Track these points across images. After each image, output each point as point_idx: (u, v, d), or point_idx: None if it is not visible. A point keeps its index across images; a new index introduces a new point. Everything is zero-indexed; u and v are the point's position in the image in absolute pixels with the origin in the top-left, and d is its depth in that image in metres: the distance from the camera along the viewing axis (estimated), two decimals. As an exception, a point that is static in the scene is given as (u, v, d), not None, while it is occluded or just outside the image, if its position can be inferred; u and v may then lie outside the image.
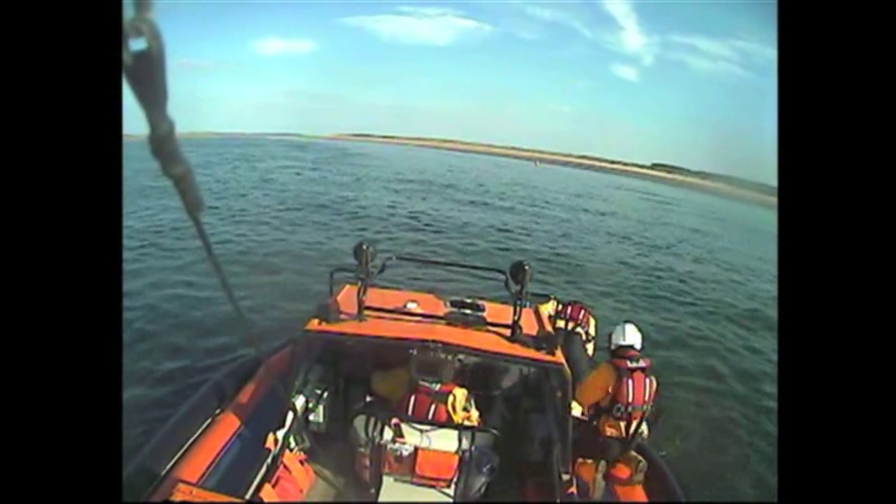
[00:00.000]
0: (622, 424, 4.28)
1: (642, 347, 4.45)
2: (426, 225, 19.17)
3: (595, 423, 4.42)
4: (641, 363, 4.24)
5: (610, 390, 4.24)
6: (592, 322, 6.31)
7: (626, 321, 4.67)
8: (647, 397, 4.19)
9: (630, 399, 4.18)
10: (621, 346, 4.39)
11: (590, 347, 6.25)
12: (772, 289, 15.12)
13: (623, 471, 4.13)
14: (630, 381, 4.18)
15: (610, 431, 4.33)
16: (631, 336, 4.43)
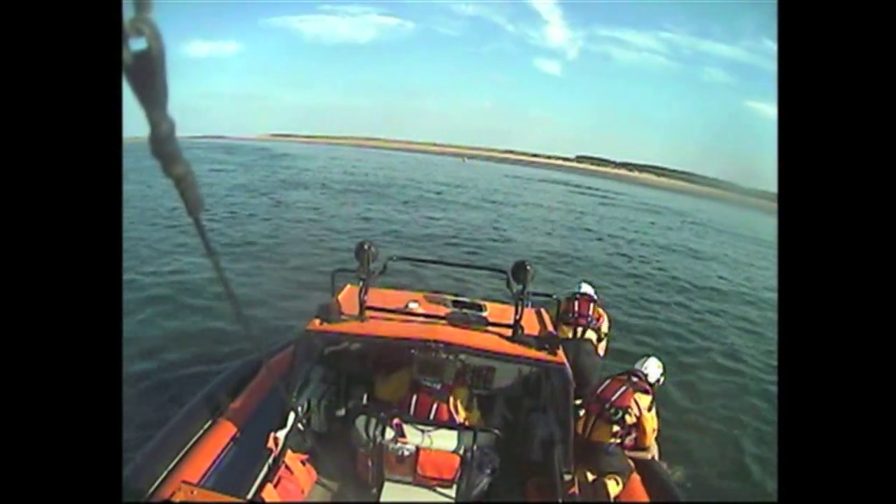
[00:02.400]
0: (583, 416, 4.45)
1: (653, 384, 4.53)
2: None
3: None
4: (634, 378, 4.42)
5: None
6: (606, 318, 5.99)
7: (651, 355, 4.84)
8: (614, 397, 4.29)
9: (598, 392, 4.41)
10: (637, 369, 4.59)
11: (602, 346, 5.95)
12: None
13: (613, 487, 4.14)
14: (610, 379, 4.47)
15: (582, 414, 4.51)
16: (646, 366, 4.61)
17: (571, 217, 28.83)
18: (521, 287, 3.90)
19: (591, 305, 5.86)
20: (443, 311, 4.48)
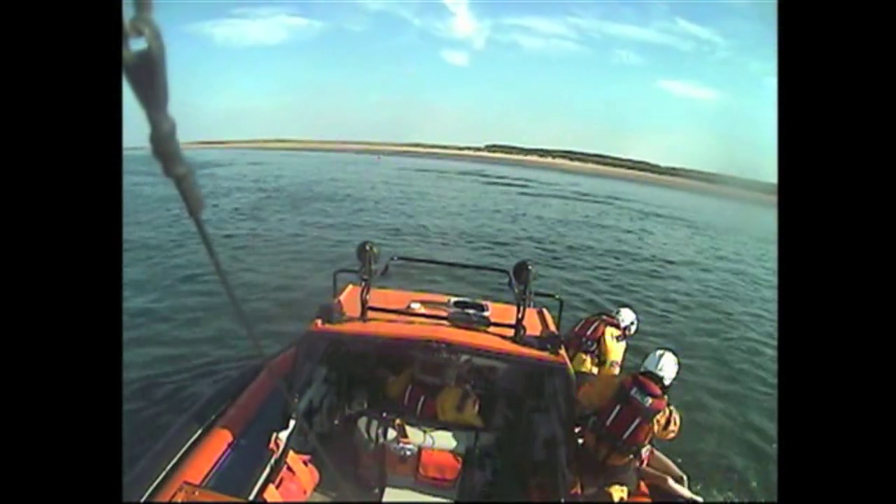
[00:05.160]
0: (593, 439, 3.92)
1: (668, 385, 3.85)
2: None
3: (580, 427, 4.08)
4: (647, 400, 3.69)
5: (603, 398, 3.93)
6: (612, 348, 5.25)
7: (667, 349, 4.04)
8: (626, 434, 3.71)
9: (607, 423, 3.81)
10: (646, 371, 3.86)
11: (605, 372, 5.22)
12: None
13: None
14: (618, 408, 3.78)
15: (585, 440, 4.01)
16: (661, 365, 3.84)
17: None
18: (522, 287, 3.89)
19: (595, 326, 5.39)
20: (445, 311, 4.48)
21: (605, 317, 5.55)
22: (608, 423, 3.79)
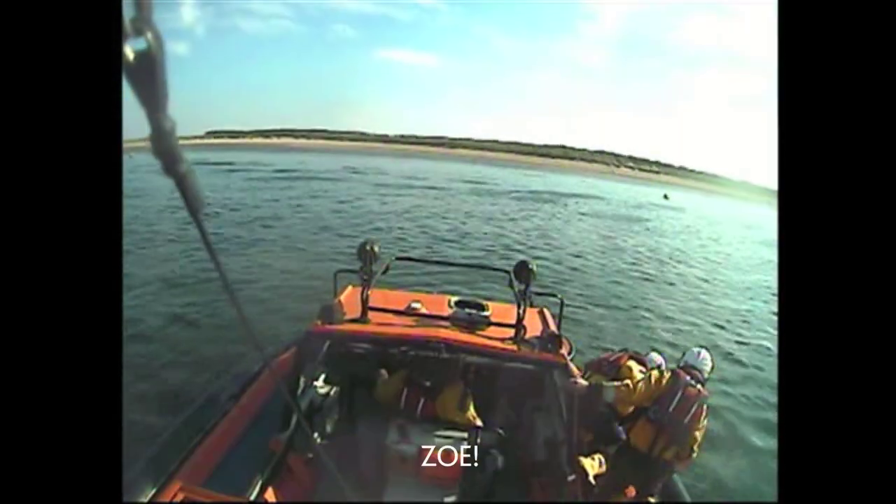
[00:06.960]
0: (651, 432, 4.01)
1: (706, 379, 4.26)
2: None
3: (626, 425, 4.17)
4: (699, 387, 4.05)
5: (655, 394, 4.04)
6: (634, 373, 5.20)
7: (703, 347, 4.53)
8: (686, 417, 3.94)
9: (670, 408, 3.96)
10: (692, 365, 4.26)
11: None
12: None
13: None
14: (681, 392, 3.99)
15: (634, 440, 4.07)
16: (702, 360, 4.30)
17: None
18: (523, 287, 3.90)
19: (618, 357, 5.26)
20: (445, 311, 4.50)
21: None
22: (671, 408, 3.96)
